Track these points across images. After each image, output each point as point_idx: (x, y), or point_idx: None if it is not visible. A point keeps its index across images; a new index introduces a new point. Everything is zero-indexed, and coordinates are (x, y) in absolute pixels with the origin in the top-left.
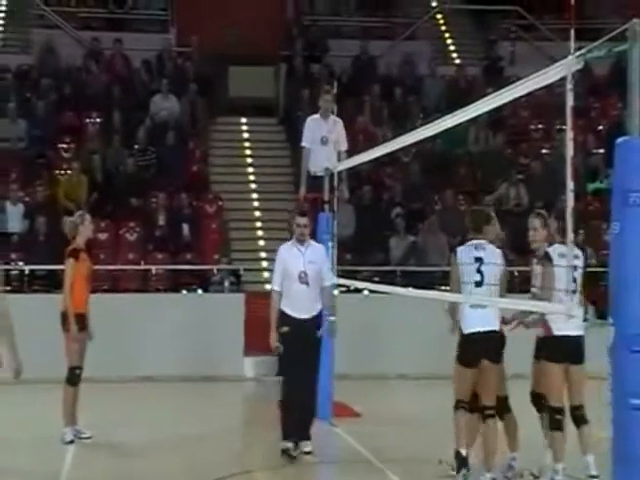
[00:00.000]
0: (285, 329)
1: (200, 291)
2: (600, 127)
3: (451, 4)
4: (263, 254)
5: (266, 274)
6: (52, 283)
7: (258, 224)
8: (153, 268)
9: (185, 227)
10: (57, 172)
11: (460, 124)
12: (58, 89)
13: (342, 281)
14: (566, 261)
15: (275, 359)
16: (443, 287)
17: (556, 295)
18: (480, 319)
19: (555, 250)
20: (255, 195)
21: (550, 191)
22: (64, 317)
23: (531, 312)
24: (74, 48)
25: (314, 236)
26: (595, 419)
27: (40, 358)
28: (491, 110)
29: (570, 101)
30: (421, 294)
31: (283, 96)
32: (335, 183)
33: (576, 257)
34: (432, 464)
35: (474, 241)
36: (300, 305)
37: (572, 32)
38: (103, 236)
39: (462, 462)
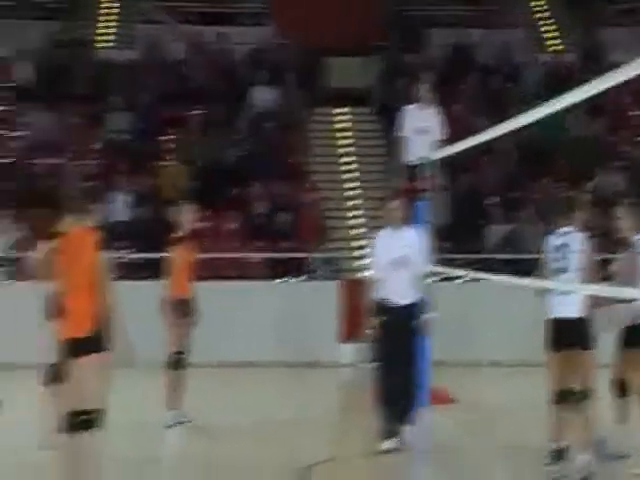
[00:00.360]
0: (383, 316)
1: (297, 279)
2: None
3: None
4: (359, 242)
5: (362, 262)
6: (157, 270)
7: (354, 212)
8: (252, 256)
9: (283, 216)
10: (160, 163)
11: (558, 112)
12: (162, 83)
13: (438, 269)
14: None
15: (371, 345)
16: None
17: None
18: (564, 305)
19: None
20: (351, 184)
21: None
22: (167, 303)
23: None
24: (177, 42)
25: (411, 224)
26: None
27: (145, 343)
28: (590, 97)
29: None
30: (512, 281)
31: (379, 86)
32: (431, 172)
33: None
34: (529, 452)
35: (562, 228)
36: (397, 291)
37: None
38: (204, 225)
39: (557, 455)
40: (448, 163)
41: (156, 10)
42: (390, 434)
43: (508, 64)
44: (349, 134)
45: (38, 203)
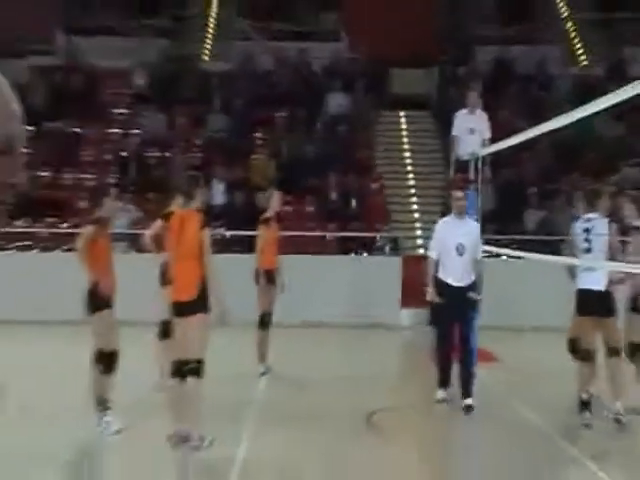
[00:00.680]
0: (441, 296)
1: (365, 254)
2: None
3: (579, 13)
4: (417, 224)
5: (419, 241)
6: (248, 246)
7: (413, 199)
8: (327, 235)
9: (353, 202)
10: (251, 157)
11: (587, 116)
12: (252, 90)
13: (486, 247)
14: None
15: (428, 311)
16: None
17: None
18: (589, 280)
19: None
20: (411, 175)
21: None
22: (257, 273)
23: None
24: (265, 56)
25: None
26: None
27: (238, 306)
28: (614, 104)
29: None
30: (547, 259)
31: (435, 93)
32: (479, 166)
33: None
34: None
35: (587, 215)
36: (455, 274)
37: None
38: (287, 208)
39: (584, 405)
40: (493, 158)
41: (248, 29)
42: (443, 385)
43: (543, 75)
44: (410, 134)
45: (152, 189)
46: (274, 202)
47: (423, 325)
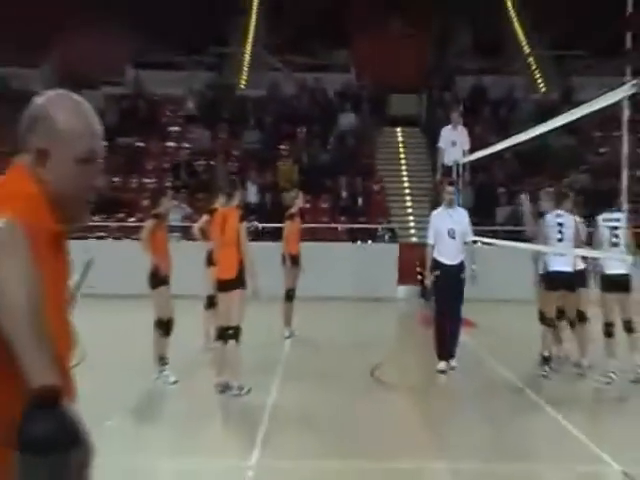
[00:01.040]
0: (437, 272)
1: (369, 242)
2: None
3: (539, 50)
4: (411, 218)
5: (413, 231)
6: (276, 236)
7: (407, 198)
8: (338, 226)
9: (359, 200)
10: (278, 164)
11: (545, 132)
12: (279, 111)
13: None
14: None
15: (417, 288)
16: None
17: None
18: (560, 263)
19: (601, 217)
20: (405, 178)
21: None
22: (283, 257)
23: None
24: (289, 84)
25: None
26: None
27: (268, 283)
28: (566, 122)
29: (625, 114)
30: (512, 245)
31: (425, 113)
32: (460, 171)
33: (616, 220)
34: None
35: (557, 211)
36: (449, 254)
37: (628, 69)
38: (307, 205)
39: (545, 361)
40: (471, 165)
41: (276, 63)
42: (443, 358)
43: (511, 100)
44: (404, 145)
45: (200, 190)
46: (296, 200)
47: (415, 298)
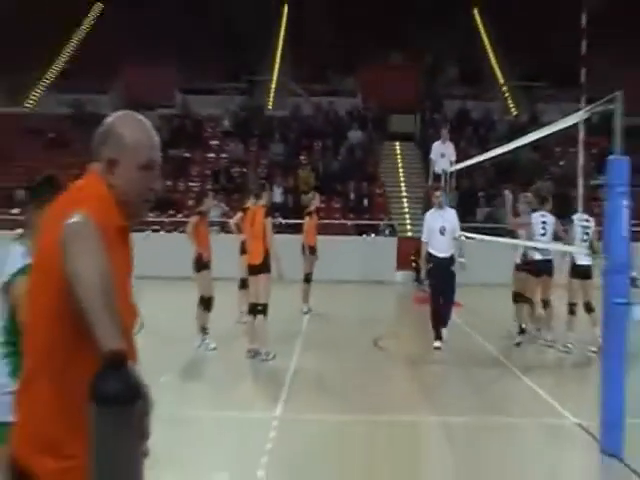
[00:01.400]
0: (431, 264)
1: (372, 236)
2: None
3: (511, 81)
4: (407, 216)
5: (408, 227)
6: (296, 230)
7: (404, 200)
8: (348, 223)
9: (365, 201)
10: (298, 171)
11: (516, 147)
12: (299, 128)
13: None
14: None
15: (412, 273)
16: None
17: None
18: (544, 253)
19: (576, 217)
20: (403, 184)
21: (564, 185)
22: (302, 247)
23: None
24: (308, 106)
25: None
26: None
27: (290, 269)
28: (533, 140)
29: (581, 135)
30: (490, 239)
31: (419, 131)
32: (448, 178)
33: (587, 220)
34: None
35: (541, 211)
36: (440, 248)
37: (583, 98)
38: (322, 205)
39: (522, 332)
40: (457, 173)
41: (297, 89)
42: (438, 338)
43: (489, 121)
44: (402, 157)
45: (235, 192)
46: (314, 201)
47: (410, 282)
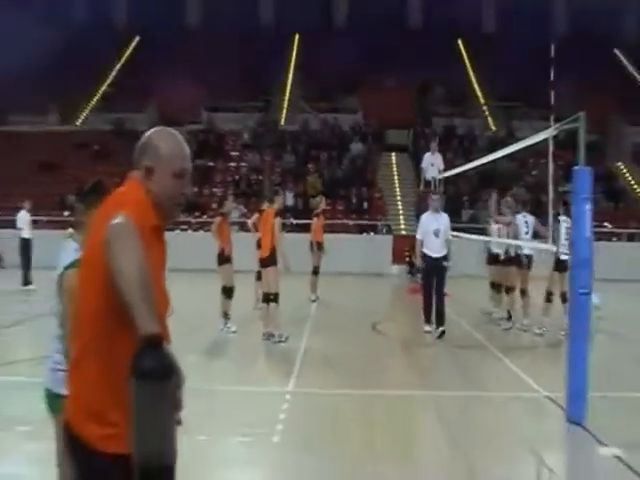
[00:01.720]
0: (425, 263)
1: (372, 234)
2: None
3: (491, 101)
4: (401, 218)
5: (402, 226)
6: (305, 229)
7: (399, 203)
8: (350, 222)
9: (365, 204)
10: (307, 178)
11: (495, 158)
12: (308, 140)
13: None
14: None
15: (406, 267)
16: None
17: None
18: (527, 249)
19: (564, 220)
20: (398, 190)
21: (537, 192)
22: (311, 244)
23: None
24: (315, 121)
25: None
26: None
27: (299, 263)
28: (511, 152)
29: (551, 148)
30: (472, 237)
31: (412, 143)
32: (437, 185)
33: (565, 222)
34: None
35: (523, 213)
36: (434, 249)
37: (552, 117)
38: (327, 207)
39: (509, 317)
40: (444, 180)
41: (306, 107)
42: (428, 321)
43: (471, 135)
44: (397, 166)
45: (253, 196)
46: (321, 204)
47: (404, 274)
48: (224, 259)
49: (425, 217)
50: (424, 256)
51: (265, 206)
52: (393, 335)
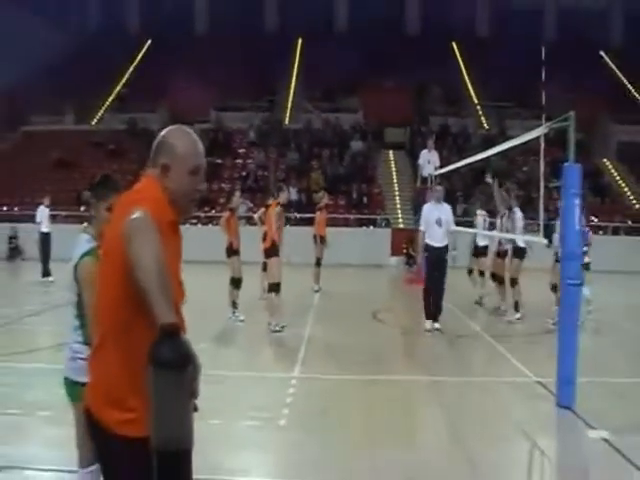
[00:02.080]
0: (427, 253)
1: (371, 227)
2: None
3: (484, 102)
4: (399, 212)
5: (400, 220)
6: (309, 222)
7: (397, 198)
8: (351, 217)
9: (365, 198)
10: (310, 174)
11: (488, 156)
12: (311, 138)
13: None
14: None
15: (403, 258)
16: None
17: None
18: (522, 241)
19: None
20: (396, 185)
21: (528, 187)
22: (314, 237)
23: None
24: (318, 121)
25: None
26: None
27: (304, 254)
28: (502, 150)
29: (542, 145)
30: (465, 230)
31: (409, 141)
32: (433, 180)
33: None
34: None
35: (514, 209)
36: (436, 238)
37: (544, 116)
38: (330, 202)
39: (516, 307)
40: (440, 176)
41: (309, 106)
42: (429, 318)
43: (465, 134)
44: (395, 163)
45: (259, 191)
46: (323, 199)
47: (401, 265)
48: (232, 252)
49: (427, 207)
50: (426, 247)
51: (270, 201)
52: (392, 323)
